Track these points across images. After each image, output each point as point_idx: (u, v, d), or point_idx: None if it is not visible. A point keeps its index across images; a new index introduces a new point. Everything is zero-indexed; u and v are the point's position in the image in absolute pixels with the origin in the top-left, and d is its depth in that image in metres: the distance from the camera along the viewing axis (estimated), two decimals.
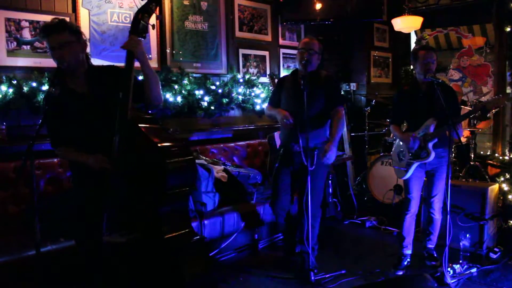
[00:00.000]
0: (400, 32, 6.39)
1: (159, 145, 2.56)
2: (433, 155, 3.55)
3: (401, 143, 3.80)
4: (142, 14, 2.50)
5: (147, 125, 2.64)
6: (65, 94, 2.54)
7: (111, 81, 2.56)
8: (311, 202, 3.49)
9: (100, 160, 2.48)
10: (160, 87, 2.70)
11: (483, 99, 6.17)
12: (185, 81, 4.64)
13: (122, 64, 2.51)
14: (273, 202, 3.89)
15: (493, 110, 5.63)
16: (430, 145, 3.55)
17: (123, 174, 2.46)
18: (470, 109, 5.24)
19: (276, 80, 4.63)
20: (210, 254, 3.92)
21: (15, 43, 3.67)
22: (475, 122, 5.28)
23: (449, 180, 3.35)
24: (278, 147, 3.94)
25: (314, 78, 3.62)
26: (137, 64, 2.52)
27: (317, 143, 3.60)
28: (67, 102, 2.55)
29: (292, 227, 3.93)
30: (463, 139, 5.57)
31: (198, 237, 2.73)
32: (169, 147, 2.62)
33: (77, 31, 2.56)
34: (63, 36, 2.47)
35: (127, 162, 2.46)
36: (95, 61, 4.05)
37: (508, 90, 5.81)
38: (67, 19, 3.77)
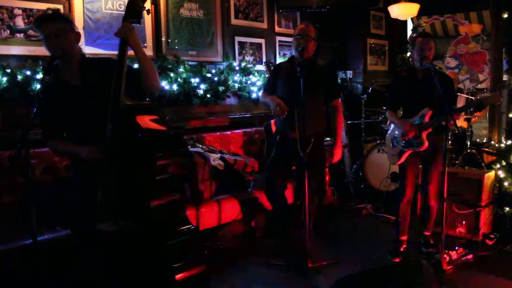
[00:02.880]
0: (396, 20, 6.36)
1: (149, 133, 2.53)
2: (426, 144, 3.55)
3: (396, 129, 3.80)
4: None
5: (142, 114, 2.60)
6: (58, 85, 2.54)
7: (105, 73, 2.52)
8: (309, 188, 3.51)
9: (93, 151, 2.47)
10: (157, 75, 2.67)
11: (480, 86, 6.17)
12: (181, 69, 4.60)
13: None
14: (267, 189, 3.93)
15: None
16: (424, 134, 3.55)
17: (115, 163, 2.42)
18: (467, 96, 5.26)
19: (272, 68, 4.63)
20: (207, 243, 3.93)
21: (8, 31, 3.62)
22: (471, 110, 5.28)
23: (446, 168, 3.35)
24: (274, 133, 3.94)
25: (311, 66, 3.62)
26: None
27: (312, 132, 3.58)
28: (60, 94, 2.54)
29: (286, 212, 3.96)
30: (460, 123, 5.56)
31: (192, 226, 2.72)
32: (161, 136, 2.60)
33: (71, 21, 2.57)
34: (58, 24, 2.46)
35: (119, 150, 2.44)
36: (90, 49, 4.03)
37: (505, 78, 5.79)
38: (61, 7, 3.82)
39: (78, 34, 2.59)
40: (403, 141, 3.67)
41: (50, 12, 2.49)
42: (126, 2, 2.50)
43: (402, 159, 3.70)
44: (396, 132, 3.78)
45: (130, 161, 2.53)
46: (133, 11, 2.47)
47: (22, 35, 3.69)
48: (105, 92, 2.44)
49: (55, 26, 2.45)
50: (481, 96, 3.95)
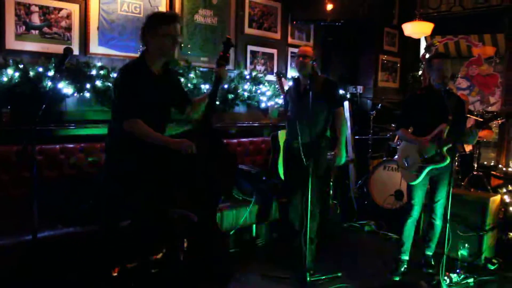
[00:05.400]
0: (409, 38, 6.36)
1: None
2: (448, 159, 3.52)
3: (409, 146, 3.76)
4: (228, 51, 3.19)
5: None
6: (145, 71, 2.94)
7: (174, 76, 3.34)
8: (310, 195, 3.54)
9: (187, 144, 2.84)
10: None
11: (490, 109, 6.14)
12: (192, 75, 4.61)
13: None
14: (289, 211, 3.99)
15: (499, 121, 5.61)
16: (445, 149, 3.53)
17: (199, 165, 2.97)
18: (476, 118, 5.23)
19: (282, 79, 4.72)
20: None
21: (23, 27, 3.66)
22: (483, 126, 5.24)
23: (451, 188, 3.33)
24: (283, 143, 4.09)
25: (313, 81, 3.70)
26: None
27: (313, 141, 3.67)
28: (144, 78, 2.91)
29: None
30: (467, 148, 5.53)
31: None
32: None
33: None
34: (179, 26, 2.96)
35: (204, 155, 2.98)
36: (103, 50, 4.07)
37: None
38: (77, 6, 3.86)
39: None
40: (422, 158, 3.64)
41: (176, 13, 3.04)
42: (223, 47, 3.18)
43: (422, 176, 3.65)
44: (409, 150, 3.74)
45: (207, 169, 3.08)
46: (225, 58, 3.18)
47: (37, 32, 3.73)
48: (171, 88, 3.10)
49: (179, 28, 2.94)
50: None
